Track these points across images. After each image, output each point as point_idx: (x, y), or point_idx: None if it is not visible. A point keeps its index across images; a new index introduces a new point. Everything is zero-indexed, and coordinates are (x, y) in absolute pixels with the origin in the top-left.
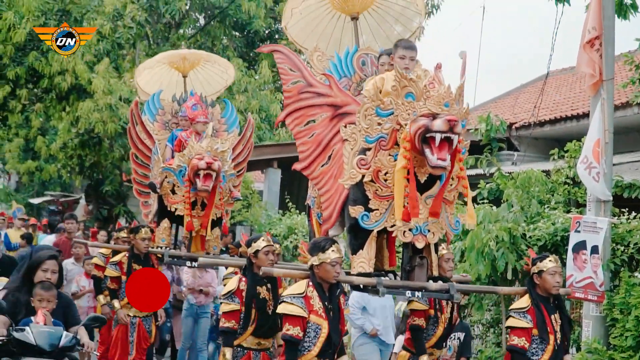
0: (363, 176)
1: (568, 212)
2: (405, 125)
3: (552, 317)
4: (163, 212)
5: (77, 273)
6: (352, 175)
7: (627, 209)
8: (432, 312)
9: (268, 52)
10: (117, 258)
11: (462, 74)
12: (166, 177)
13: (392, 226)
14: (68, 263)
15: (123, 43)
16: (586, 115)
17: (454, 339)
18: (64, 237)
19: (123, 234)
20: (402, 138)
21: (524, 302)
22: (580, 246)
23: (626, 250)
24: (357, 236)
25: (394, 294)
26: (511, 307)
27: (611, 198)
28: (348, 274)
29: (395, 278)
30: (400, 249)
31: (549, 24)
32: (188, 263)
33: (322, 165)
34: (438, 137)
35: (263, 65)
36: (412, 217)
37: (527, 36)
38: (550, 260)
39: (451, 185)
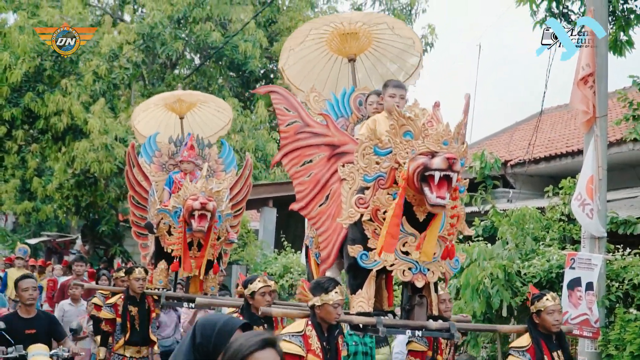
0: (362, 215)
1: (563, 249)
2: (404, 163)
3: (554, 354)
4: (160, 253)
5: (74, 314)
6: (351, 214)
7: (622, 245)
8: (430, 353)
9: (264, 94)
10: (112, 300)
11: (464, 115)
12: (162, 218)
13: (391, 265)
14: (65, 304)
15: (119, 83)
16: (581, 152)
17: None
18: (72, 278)
19: (122, 274)
20: (401, 177)
21: (524, 340)
22: (575, 283)
23: (621, 287)
24: (356, 276)
25: (394, 333)
26: (511, 345)
27: (605, 234)
28: (347, 313)
29: (394, 318)
30: (399, 289)
31: (543, 61)
32: (185, 304)
33: (320, 205)
34: (437, 175)
35: (259, 104)
36: (385, 251)
37: (522, 73)
38: (547, 299)
39: (452, 224)
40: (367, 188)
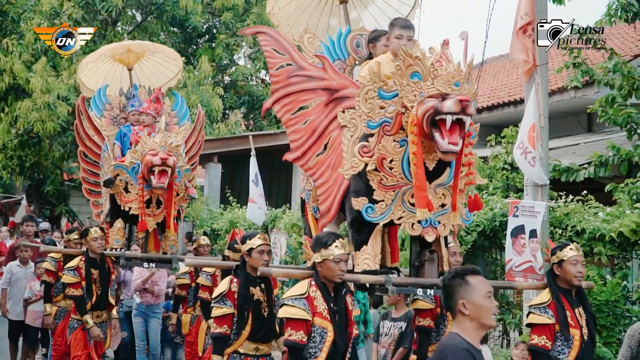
0: (366, 165)
1: (506, 197)
2: (412, 107)
3: (576, 310)
4: (116, 211)
5: (25, 277)
6: (354, 164)
7: (564, 193)
8: (438, 310)
9: (251, 35)
10: (73, 263)
11: (464, 55)
12: (118, 174)
13: (399, 218)
14: (13, 265)
15: None
16: (522, 101)
17: (397, 327)
18: (21, 239)
19: (74, 236)
20: (410, 122)
21: (544, 296)
22: (519, 230)
23: (564, 234)
24: (361, 231)
25: (403, 291)
26: (530, 302)
27: (548, 182)
28: (351, 272)
29: (399, 275)
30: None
31: (484, 10)
32: (145, 264)
33: (318, 155)
34: (449, 119)
35: (202, 60)
36: (419, 208)
37: (463, 23)
38: (571, 249)
39: (462, 172)
40: (371, 135)
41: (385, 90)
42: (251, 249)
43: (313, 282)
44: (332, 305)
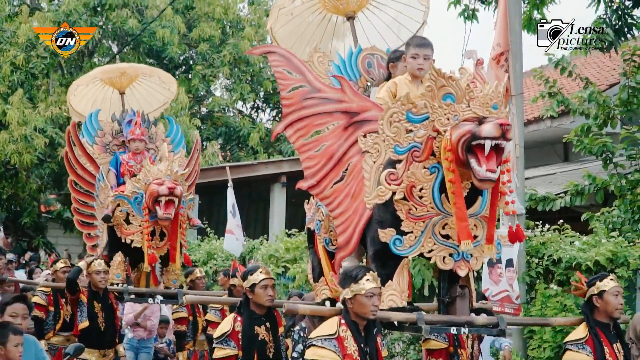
0: (393, 194)
1: None
2: (445, 132)
3: (614, 346)
4: (115, 244)
5: None
6: (380, 192)
7: (541, 222)
8: (452, 349)
9: (260, 55)
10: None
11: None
12: (119, 205)
13: (429, 251)
14: None
15: (37, 73)
16: None
17: None
18: None
19: (61, 265)
20: (443, 147)
21: (581, 331)
22: (496, 260)
23: (541, 263)
24: (385, 264)
25: (436, 331)
26: (567, 339)
27: (524, 211)
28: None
29: (419, 311)
30: None
31: (459, 41)
32: (150, 300)
33: (335, 183)
34: (488, 144)
35: (179, 91)
36: (463, 239)
37: (440, 50)
38: (611, 279)
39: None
40: (399, 161)
41: (414, 112)
42: (254, 285)
43: (342, 321)
44: (362, 346)
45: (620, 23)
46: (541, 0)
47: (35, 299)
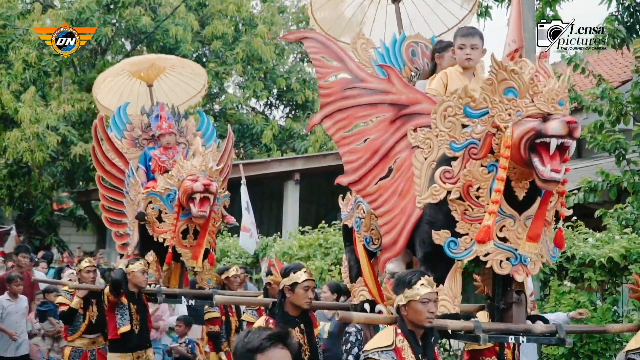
0: (448, 193)
1: None
2: (506, 128)
3: None
4: (147, 243)
5: (17, 311)
6: (435, 191)
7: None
8: (497, 348)
9: (296, 40)
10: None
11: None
12: (150, 202)
13: (485, 255)
14: (3, 300)
15: (49, 71)
16: None
17: None
18: (13, 270)
19: (85, 264)
20: (502, 144)
21: None
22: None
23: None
24: (436, 268)
25: (494, 339)
26: (627, 348)
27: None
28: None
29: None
30: None
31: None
32: (184, 301)
33: (380, 179)
34: (554, 142)
35: None
36: (483, 239)
37: None
38: None
39: (551, 202)
40: (454, 158)
41: (472, 107)
42: (295, 284)
43: (399, 330)
44: (420, 356)
45: (632, 20)
46: None
47: (59, 299)
